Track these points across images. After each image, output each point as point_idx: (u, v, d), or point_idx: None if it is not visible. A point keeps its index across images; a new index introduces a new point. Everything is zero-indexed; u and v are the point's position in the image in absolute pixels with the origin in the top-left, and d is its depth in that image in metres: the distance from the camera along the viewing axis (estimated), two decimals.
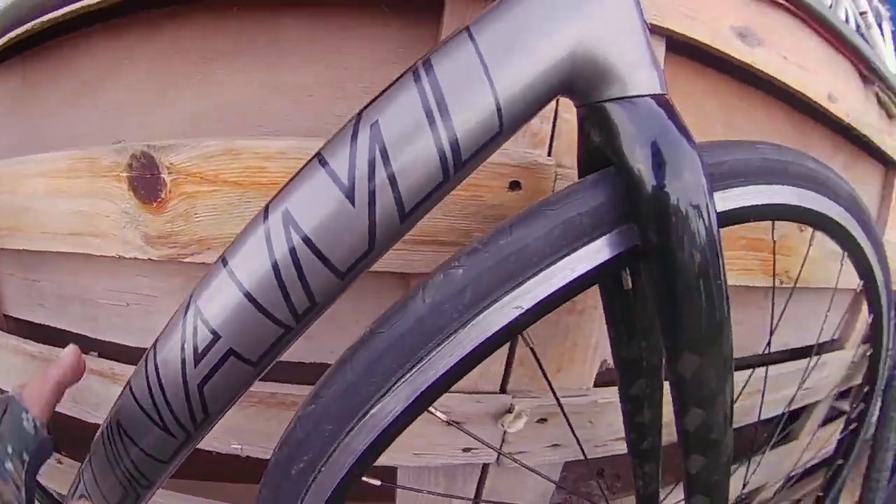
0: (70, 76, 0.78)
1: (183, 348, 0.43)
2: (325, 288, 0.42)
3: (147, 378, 0.45)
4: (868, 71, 1.04)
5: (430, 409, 0.48)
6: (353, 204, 0.41)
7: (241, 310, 0.42)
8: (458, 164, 0.43)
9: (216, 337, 0.43)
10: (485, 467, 0.88)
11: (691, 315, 0.49)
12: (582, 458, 0.89)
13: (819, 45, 0.93)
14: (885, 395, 1.34)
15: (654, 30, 0.70)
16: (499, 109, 0.43)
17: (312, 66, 0.68)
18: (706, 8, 0.74)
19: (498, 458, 0.85)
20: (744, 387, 0.93)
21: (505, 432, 0.80)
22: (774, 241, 0.69)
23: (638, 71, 0.46)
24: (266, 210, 0.42)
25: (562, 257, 0.47)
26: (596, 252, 0.48)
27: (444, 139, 0.42)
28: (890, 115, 1.15)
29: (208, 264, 0.47)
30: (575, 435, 0.70)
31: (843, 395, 1.30)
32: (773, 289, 0.74)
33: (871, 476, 1.36)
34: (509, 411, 0.79)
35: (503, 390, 0.79)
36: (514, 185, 0.65)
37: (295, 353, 0.70)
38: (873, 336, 0.99)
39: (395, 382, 0.46)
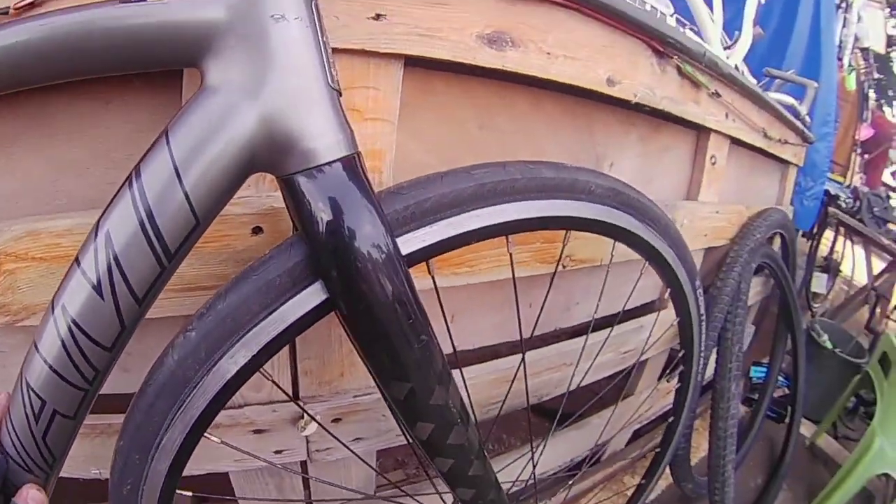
0: None
1: (26, 413, 0.51)
2: (100, 359, 0.50)
3: (9, 434, 0.53)
4: (663, 46, 1.06)
5: (207, 434, 0.59)
6: (101, 297, 0.48)
7: (51, 380, 0.50)
8: (169, 257, 0.49)
9: (42, 402, 0.50)
10: (304, 465, 0.95)
11: (385, 351, 0.56)
12: (392, 445, 0.98)
13: (598, 31, 0.94)
14: (720, 348, 1.41)
15: (390, 56, 0.72)
16: (191, 205, 0.48)
17: (83, 141, 0.71)
18: (448, 22, 0.75)
19: (309, 455, 0.92)
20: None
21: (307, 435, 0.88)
22: (511, 254, 0.71)
23: (321, 139, 0.49)
24: (52, 301, 0.49)
25: (271, 313, 0.55)
26: (297, 306, 0.56)
27: (153, 238, 0.48)
28: (695, 84, 1.18)
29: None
30: (329, 432, 0.78)
31: None
32: (514, 284, 0.77)
33: (716, 425, 1.44)
34: (302, 416, 0.85)
35: (295, 398, 0.86)
36: (257, 230, 0.71)
37: (128, 385, 0.74)
38: (677, 306, 1.04)
39: (171, 420, 0.56)
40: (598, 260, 1.06)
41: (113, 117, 0.70)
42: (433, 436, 0.63)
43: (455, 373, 0.64)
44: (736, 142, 1.42)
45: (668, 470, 1.57)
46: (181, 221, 0.48)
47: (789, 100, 1.92)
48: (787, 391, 2.14)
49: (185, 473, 0.81)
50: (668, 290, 0.99)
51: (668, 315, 1.26)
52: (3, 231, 0.67)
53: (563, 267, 0.99)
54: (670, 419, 1.23)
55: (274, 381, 0.68)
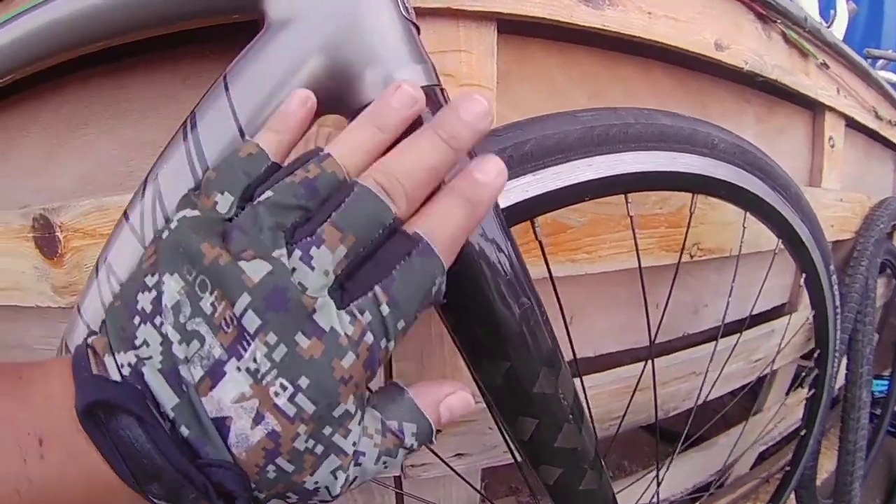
0: None
1: None
2: None
3: None
4: (765, 9, 0.96)
5: None
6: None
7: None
8: None
9: None
10: (398, 480, 0.84)
11: (478, 319, 0.44)
12: (499, 462, 0.86)
13: None
14: (850, 352, 1.25)
15: (479, 15, 0.65)
16: None
17: (157, 119, 0.69)
18: None
19: (402, 470, 0.81)
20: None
21: None
22: (631, 217, 0.61)
23: (395, 67, 0.42)
24: (97, 261, 0.45)
25: None
26: None
27: None
28: (803, 53, 1.07)
29: None
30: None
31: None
32: (640, 268, 0.66)
33: (846, 437, 1.27)
34: None
35: None
36: None
37: None
38: (812, 296, 0.91)
39: None
40: (727, 250, 0.94)
41: (189, 94, 0.66)
42: (540, 435, 0.50)
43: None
44: (850, 123, 1.29)
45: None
46: None
47: (893, 77, 1.76)
48: None
49: None
50: (804, 276, 0.87)
51: (799, 319, 1.14)
52: (72, 207, 0.65)
53: (691, 257, 0.88)
54: (802, 433, 1.07)
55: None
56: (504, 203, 0.49)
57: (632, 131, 0.56)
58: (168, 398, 0.29)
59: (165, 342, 0.29)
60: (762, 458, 1.46)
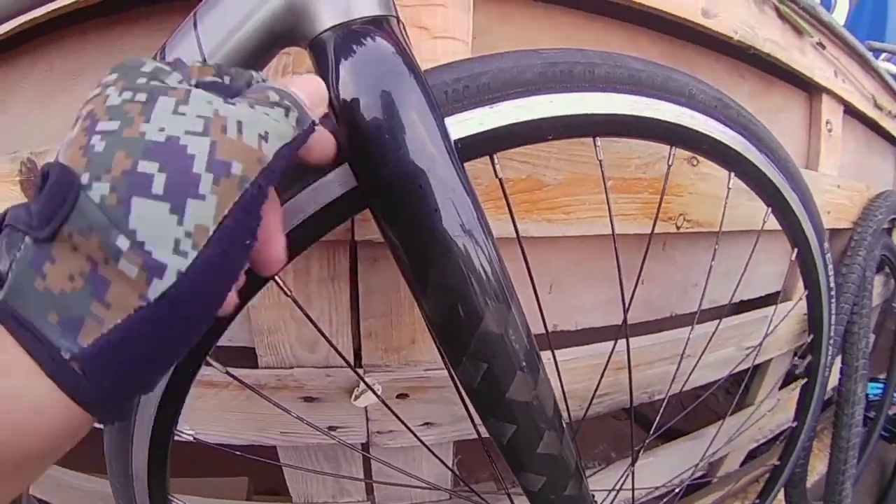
0: None
1: None
2: None
3: None
4: None
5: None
6: None
7: None
8: None
9: None
10: (366, 446, 0.82)
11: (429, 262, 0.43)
12: (474, 437, 0.80)
13: None
14: (846, 343, 1.21)
15: None
16: None
17: None
18: None
19: (369, 436, 0.79)
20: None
21: (367, 410, 0.76)
22: (601, 162, 0.57)
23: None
24: None
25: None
26: (320, 191, 0.46)
27: None
28: (798, 31, 1.03)
29: None
30: (385, 404, 0.63)
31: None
32: (613, 228, 0.61)
33: (839, 434, 1.23)
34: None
35: (357, 365, 0.75)
36: None
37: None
38: (804, 273, 0.86)
39: None
40: (717, 224, 0.89)
41: None
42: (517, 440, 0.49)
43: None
44: (849, 110, 1.25)
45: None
46: None
47: (894, 68, 1.71)
48: None
49: (228, 440, 0.75)
50: (795, 251, 0.82)
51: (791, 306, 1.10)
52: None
53: (677, 228, 0.84)
54: (794, 423, 1.03)
55: (324, 335, 0.56)
56: (459, 134, 0.46)
57: (598, 72, 0.52)
58: None
59: None
60: (752, 457, 1.41)
